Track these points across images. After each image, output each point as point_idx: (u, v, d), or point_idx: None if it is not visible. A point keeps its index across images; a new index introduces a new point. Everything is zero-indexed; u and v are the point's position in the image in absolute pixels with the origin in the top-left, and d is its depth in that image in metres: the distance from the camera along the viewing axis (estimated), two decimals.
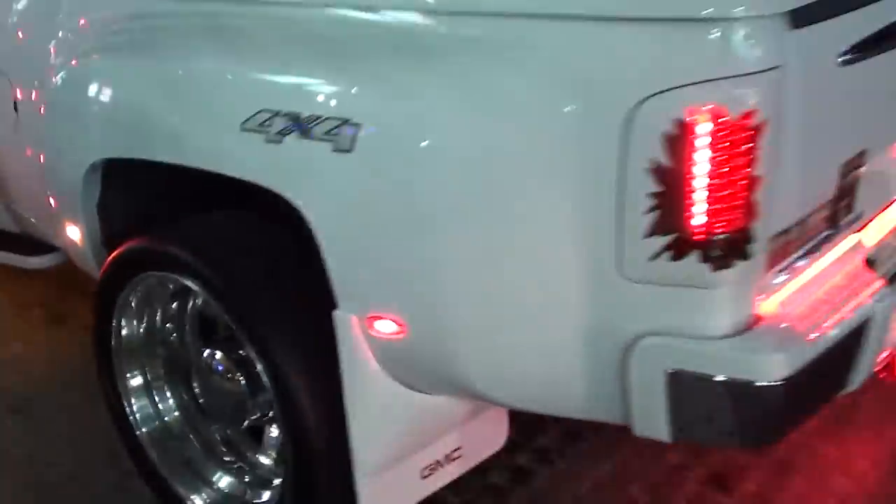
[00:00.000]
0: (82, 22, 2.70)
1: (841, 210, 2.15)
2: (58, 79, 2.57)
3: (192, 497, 2.56)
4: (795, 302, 2.02)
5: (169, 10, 2.39)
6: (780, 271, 2.00)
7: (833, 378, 2.09)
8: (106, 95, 2.45)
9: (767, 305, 1.97)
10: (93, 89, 2.47)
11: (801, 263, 2.06)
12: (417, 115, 1.92)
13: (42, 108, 2.68)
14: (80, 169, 2.53)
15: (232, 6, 2.25)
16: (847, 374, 2.11)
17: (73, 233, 2.73)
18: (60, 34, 2.75)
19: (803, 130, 1.88)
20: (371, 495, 2.24)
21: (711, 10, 1.73)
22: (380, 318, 2.06)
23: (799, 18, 1.79)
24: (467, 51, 1.91)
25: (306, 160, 2.01)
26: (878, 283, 2.16)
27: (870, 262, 2.36)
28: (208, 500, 2.56)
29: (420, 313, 2.02)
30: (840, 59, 1.94)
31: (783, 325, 1.93)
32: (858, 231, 2.30)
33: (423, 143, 1.91)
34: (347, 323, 2.09)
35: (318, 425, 2.19)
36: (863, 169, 2.17)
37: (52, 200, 2.80)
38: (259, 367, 2.26)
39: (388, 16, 2.01)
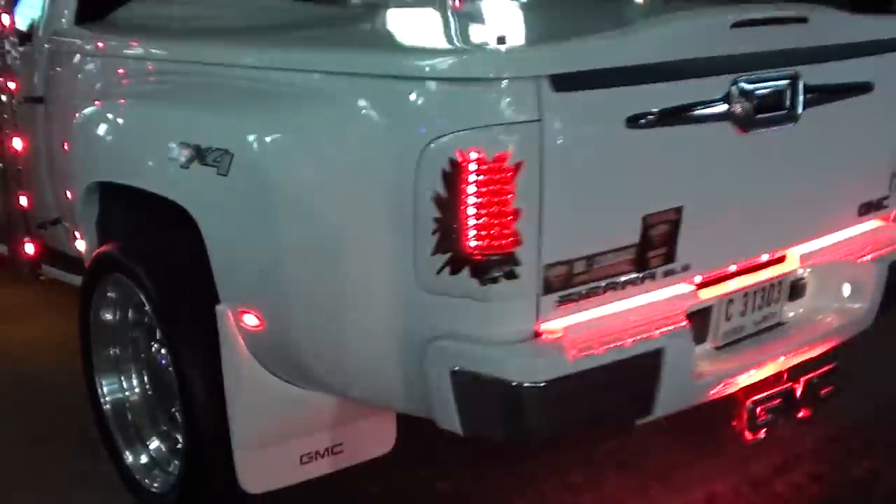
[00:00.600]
0: (120, 71, 3.37)
1: (653, 258, 2.48)
2: (77, 116, 3.24)
3: (126, 453, 3.11)
4: (585, 327, 2.36)
5: (142, 68, 3.08)
6: (569, 298, 2.34)
7: (621, 399, 2.41)
8: (99, 130, 3.09)
9: (552, 325, 2.33)
10: (93, 125, 3.12)
11: (597, 295, 2.39)
12: (271, 148, 2.43)
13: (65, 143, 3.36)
14: (81, 190, 3.17)
15: (167, 65, 2.95)
16: (646, 401, 2.42)
17: (82, 246, 3.36)
18: (101, 81, 3.44)
19: (578, 178, 2.26)
20: (247, 469, 2.69)
21: (478, 70, 2.17)
22: (246, 312, 2.55)
23: (562, 84, 2.19)
24: (311, 100, 2.41)
25: (201, 182, 2.55)
26: (678, 325, 2.47)
27: (704, 313, 2.67)
28: (138, 460, 3.09)
29: (271, 311, 2.50)
30: (628, 124, 2.32)
31: (555, 341, 2.29)
32: (695, 283, 2.61)
33: (274, 172, 2.41)
34: (225, 316, 2.58)
35: (206, 405, 2.68)
36: (681, 224, 2.50)
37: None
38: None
39: (258, 73, 2.58)
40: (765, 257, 2.82)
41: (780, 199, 2.76)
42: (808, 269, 2.94)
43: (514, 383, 2.21)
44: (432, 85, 2.22)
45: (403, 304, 2.33)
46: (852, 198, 3.03)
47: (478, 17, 3.58)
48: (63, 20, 3.77)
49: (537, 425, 2.28)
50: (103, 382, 3.19)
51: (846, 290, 2.98)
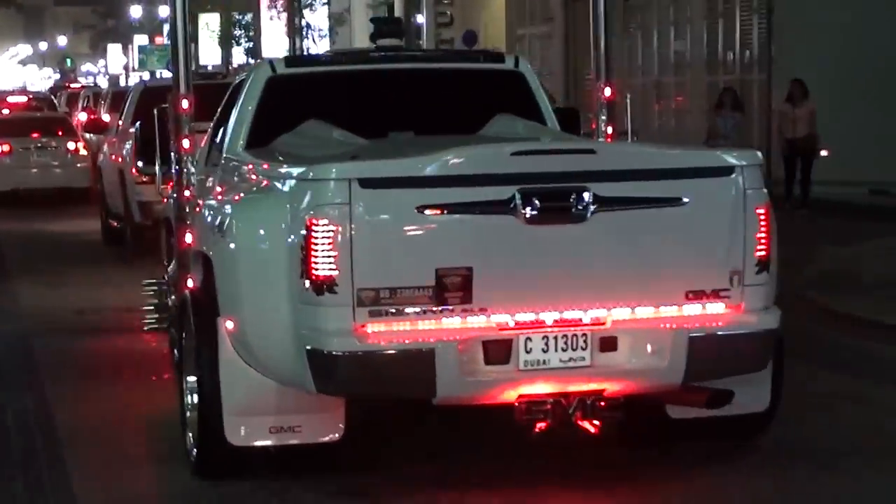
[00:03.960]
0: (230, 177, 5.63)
1: (450, 298, 4.14)
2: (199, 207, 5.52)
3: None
4: (388, 331, 4.08)
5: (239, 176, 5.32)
6: (378, 312, 4.08)
7: (408, 377, 4.07)
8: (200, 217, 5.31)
9: (366, 328, 4.08)
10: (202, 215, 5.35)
11: (402, 315, 4.10)
12: (241, 213, 4.53)
13: None
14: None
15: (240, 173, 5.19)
16: (429, 384, 4.07)
17: None
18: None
19: (378, 238, 4.08)
20: (230, 427, 4.56)
21: (315, 175, 4.12)
22: (228, 319, 4.53)
23: (365, 184, 4.06)
24: (264, 187, 4.52)
25: (217, 240, 4.67)
26: (451, 341, 4.07)
27: (504, 343, 4.21)
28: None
29: (236, 317, 4.47)
30: (418, 210, 4.08)
31: (360, 335, 4.05)
32: (493, 321, 4.19)
33: (240, 229, 4.51)
34: (220, 323, 4.57)
35: (210, 380, 4.61)
36: (474, 279, 4.13)
37: None
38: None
39: (255, 176, 4.74)
40: (582, 316, 4.27)
41: (579, 274, 4.26)
42: (619, 330, 4.32)
43: (332, 352, 4.03)
44: (304, 183, 4.20)
45: (292, 308, 4.23)
46: (676, 285, 4.37)
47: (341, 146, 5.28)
48: (238, 146, 5.91)
49: (349, 382, 4.10)
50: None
51: (648, 349, 4.32)
